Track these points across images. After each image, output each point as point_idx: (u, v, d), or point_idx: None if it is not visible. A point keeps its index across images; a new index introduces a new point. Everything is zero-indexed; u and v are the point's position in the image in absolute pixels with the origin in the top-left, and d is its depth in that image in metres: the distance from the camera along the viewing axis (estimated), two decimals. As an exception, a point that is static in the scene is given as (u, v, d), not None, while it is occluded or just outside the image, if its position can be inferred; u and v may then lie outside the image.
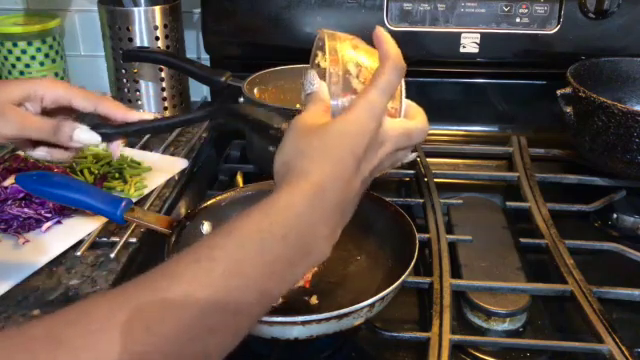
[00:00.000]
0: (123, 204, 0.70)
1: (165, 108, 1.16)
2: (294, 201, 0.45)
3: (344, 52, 0.53)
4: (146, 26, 1.09)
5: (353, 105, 0.49)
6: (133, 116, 0.69)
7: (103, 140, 0.68)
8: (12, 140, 0.67)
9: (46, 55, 1.21)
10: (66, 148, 0.68)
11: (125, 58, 1.07)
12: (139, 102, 1.15)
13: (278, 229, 0.44)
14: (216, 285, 0.40)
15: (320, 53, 0.57)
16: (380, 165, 0.52)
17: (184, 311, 0.38)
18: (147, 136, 1.13)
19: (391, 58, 0.50)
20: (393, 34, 0.50)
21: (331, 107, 0.52)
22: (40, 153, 0.68)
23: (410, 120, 0.54)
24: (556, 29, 1.06)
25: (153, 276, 0.40)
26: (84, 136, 0.67)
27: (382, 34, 0.51)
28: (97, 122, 0.69)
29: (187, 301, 0.38)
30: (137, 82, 1.14)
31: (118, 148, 0.71)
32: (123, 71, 1.13)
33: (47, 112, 0.68)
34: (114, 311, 0.37)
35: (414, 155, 0.57)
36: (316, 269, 0.71)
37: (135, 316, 0.36)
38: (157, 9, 1.09)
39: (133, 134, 0.72)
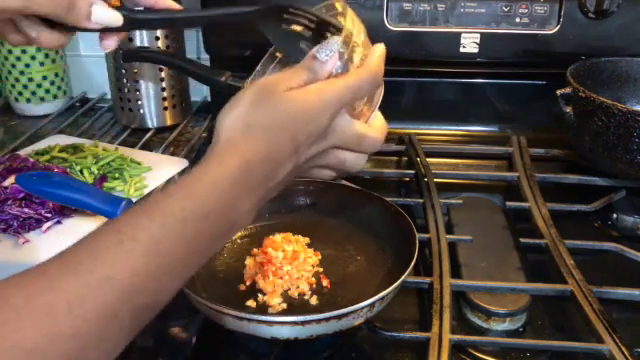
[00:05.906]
0: (123, 204, 0.71)
1: (165, 108, 1.16)
2: (219, 178, 0.46)
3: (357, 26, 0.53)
4: (146, 26, 1.09)
5: (315, 89, 0.50)
6: (160, 2, 0.62)
7: (124, 26, 0.59)
8: (14, 16, 0.56)
9: (46, 55, 1.21)
10: (64, 31, 0.57)
11: (125, 58, 1.07)
12: (139, 102, 1.15)
13: (200, 208, 0.44)
14: (137, 267, 0.40)
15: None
16: (321, 157, 0.53)
17: (105, 293, 0.38)
18: (147, 136, 1.13)
19: (374, 70, 0.52)
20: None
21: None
22: (30, 32, 0.57)
23: (368, 127, 0.54)
24: (556, 29, 1.06)
25: (77, 255, 0.40)
26: (104, 14, 0.57)
27: (380, 48, 0.54)
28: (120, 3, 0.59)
29: (108, 283, 0.38)
30: (137, 82, 1.14)
31: (114, 43, 0.61)
32: (123, 71, 1.13)
33: None
34: (35, 295, 0.36)
35: (361, 163, 0.56)
36: (317, 269, 0.71)
37: (57, 298, 0.37)
38: (157, 9, 1.09)
39: (157, 24, 0.63)
